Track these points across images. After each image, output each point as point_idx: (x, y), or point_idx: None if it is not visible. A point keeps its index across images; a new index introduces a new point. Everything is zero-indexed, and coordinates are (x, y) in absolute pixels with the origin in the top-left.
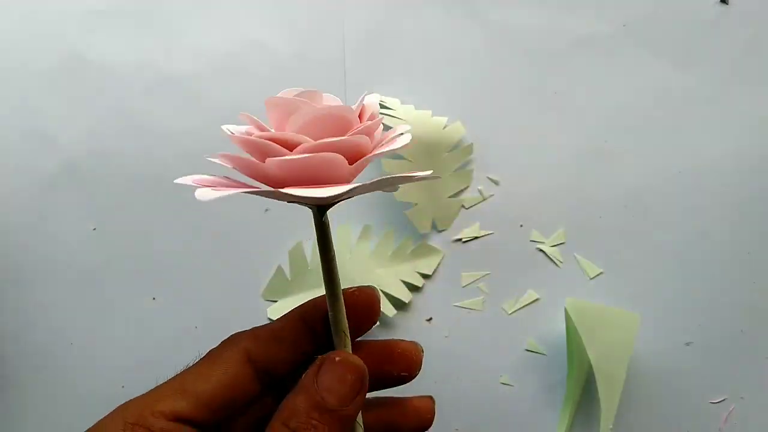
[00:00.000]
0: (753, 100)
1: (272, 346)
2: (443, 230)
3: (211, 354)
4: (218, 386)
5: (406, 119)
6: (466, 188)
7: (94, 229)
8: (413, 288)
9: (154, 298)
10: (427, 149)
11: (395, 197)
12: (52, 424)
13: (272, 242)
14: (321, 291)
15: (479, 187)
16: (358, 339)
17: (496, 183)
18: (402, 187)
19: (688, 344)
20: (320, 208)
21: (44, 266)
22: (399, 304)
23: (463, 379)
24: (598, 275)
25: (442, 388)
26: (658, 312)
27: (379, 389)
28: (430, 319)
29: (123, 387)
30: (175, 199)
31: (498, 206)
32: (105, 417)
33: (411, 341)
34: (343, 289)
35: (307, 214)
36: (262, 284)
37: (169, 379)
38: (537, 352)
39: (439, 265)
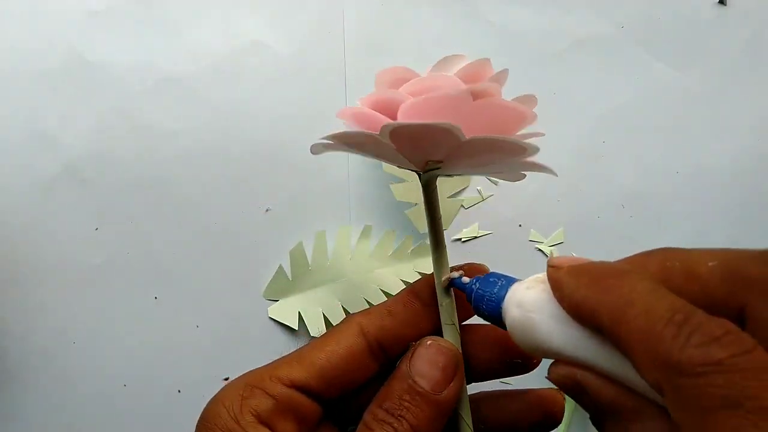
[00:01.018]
0: (752, 100)
1: (384, 319)
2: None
3: (329, 330)
4: (332, 356)
5: None
6: (465, 188)
7: (97, 229)
8: None
9: (156, 297)
10: None
11: (395, 197)
12: (54, 424)
13: (273, 242)
14: (322, 290)
15: (478, 188)
16: (471, 323)
17: (495, 183)
18: (402, 186)
19: None
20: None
21: (46, 266)
22: None
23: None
24: None
25: None
26: None
27: (496, 378)
28: None
29: (125, 386)
30: (176, 198)
31: (497, 206)
32: (229, 382)
33: None
34: (451, 267)
35: (308, 214)
36: (263, 284)
37: (290, 353)
38: None
39: None
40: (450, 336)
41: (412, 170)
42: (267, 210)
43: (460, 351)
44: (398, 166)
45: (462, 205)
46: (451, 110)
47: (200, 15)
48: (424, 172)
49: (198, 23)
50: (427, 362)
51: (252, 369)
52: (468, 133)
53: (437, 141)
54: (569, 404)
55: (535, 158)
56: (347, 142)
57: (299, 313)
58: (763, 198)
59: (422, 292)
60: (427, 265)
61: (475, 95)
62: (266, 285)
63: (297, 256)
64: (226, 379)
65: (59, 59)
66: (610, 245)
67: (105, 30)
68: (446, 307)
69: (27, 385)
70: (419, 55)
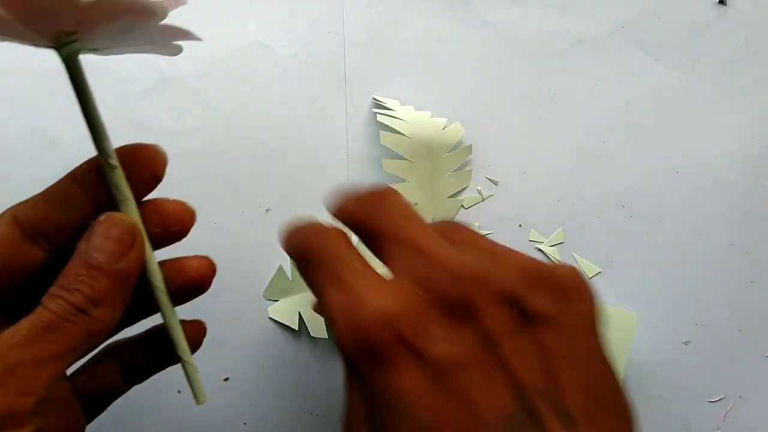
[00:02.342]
0: (751, 100)
1: (40, 206)
2: None
3: None
4: None
5: (406, 120)
6: (465, 188)
7: None
8: None
9: None
10: (426, 150)
11: None
12: None
13: (273, 242)
14: None
15: (478, 187)
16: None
17: (495, 183)
18: (401, 187)
19: (686, 343)
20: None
21: None
22: None
23: None
24: (596, 275)
25: None
26: (656, 311)
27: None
28: None
29: None
30: (176, 198)
31: (497, 206)
32: None
33: (179, 200)
34: (117, 149)
35: (310, 208)
36: (263, 284)
37: None
38: None
39: None
40: (126, 210)
41: (47, 47)
42: (267, 210)
43: (139, 222)
44: (31, 44)
45: (462, 205)
46: None
47: (201, 15)
48: (60, 47)
49: (198, 24)
50: (101, 236)
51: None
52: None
53: (55, 6)
54: None
55: (176, 24)
56: None
57: (299, 313)
58: (763, 197)
59: (82, 174)
60: None
61: None
62: (266, 285)
63: None
64: (226, 379)
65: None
66: (610, 245)
67: None
68: (117, 185)
69: None
70: (419, 55)
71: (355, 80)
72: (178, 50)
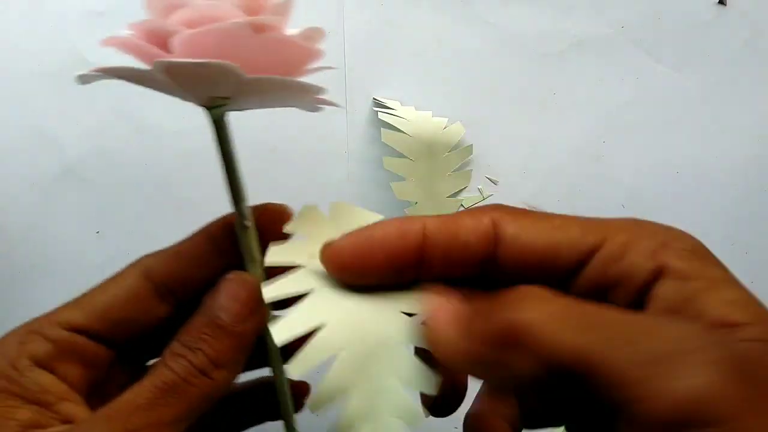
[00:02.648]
0: (751, 100)
1: (171, 262)
2: None
3: (114, 273)
4: (113, 299)
5: (407, 120)
6: (465, 188)
7: (98, 232)
8: None
9: None
10: (427, 149)
11: (395, 196)
12: None
13: None
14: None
15: (479, 187)
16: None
17: (495, 183)
18: (403, 185)
19: None
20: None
21: (46, 266)
22: None
23: (463, 378)
24: None
25: None
26: None
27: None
28: None
29: None
30: (177, 198)
31: None
32: (10, 331)
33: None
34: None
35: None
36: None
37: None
38: None
39: None
40: (254, 271)
41: (198, 105)
42: None
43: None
44: (180, 98)
45: (462, 205)
46: (230, 44)
47: None
48: (210, 109)
49: None
50: (229, 296)
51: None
52: (251, 69)
53: (217, 79)
54: None
55: (323, 96)
56: (120, 76)
57: None
58: (763, 198)
59: (216, 232)
60: None
61: (257, 29)
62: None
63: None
64: None
65: (60, 60)
66: None
67: (106, 30)
68: (248, 245)
69: None
70: (419, 55)
71: (355, 80)
72: (319, 109)
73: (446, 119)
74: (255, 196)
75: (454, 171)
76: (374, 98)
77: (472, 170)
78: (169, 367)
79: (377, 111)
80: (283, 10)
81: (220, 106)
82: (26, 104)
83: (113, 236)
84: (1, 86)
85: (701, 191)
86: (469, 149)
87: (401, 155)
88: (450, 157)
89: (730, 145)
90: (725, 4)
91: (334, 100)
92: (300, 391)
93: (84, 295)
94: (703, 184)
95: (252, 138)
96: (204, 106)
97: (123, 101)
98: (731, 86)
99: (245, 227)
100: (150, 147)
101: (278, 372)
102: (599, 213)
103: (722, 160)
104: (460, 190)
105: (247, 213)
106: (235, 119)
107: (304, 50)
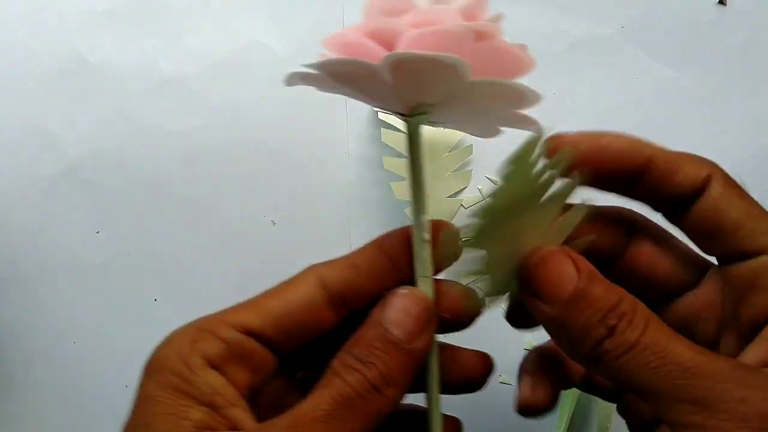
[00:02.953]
0: (751, 100)
1: (346, 272)
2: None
3: (287, 279)
4: (289, 304)
5: None
6: (465, 188)
7: (98, 232)
8: None
9: (155, 300)
10: (427, 150)
11: (395, 196)
12: (54, 424)
13: (273, 242)
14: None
15: (479, 187)
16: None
17: (495, 183)
18: (402, 185)
19: None
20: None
21: (46, 266)
22: None
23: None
24: None
25: None
26: None
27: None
28: None
29: (126, 386)
30: (177, 199)
31: None
32: (180, 327)
33: (468, 287)
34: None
35: (308, 214)
36: (263, 284)
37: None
38: None
39: None
40: (425, 288)
41: (397, 113)
42: (267, 219)
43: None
44: (380, 109)
45: (462, 205)
46: (452, 48)
47: (201, 16)
48: (411, 116)
49: (198, 24)
50: (400, 311)
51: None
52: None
53: (439, 79)
54: (567, 404)
55: (526, 111)
56: (337, 72)
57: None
58: (763, 198)
59: (391, 246)
60: None
61: (478, 35)
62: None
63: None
64: None
65: (60, 60)
66: None
67: (106, 31)
68: (424, 260)
69: (27, 385)
70: None
71: None
72: (497, 133)
73: None
74: (255, 196)
75: (454, 171)
76: None
77: (472, 170)
78: (344, 380)
79: (377, 111)
80: (497, 21)
81: (421, 114)
82: (26, 104)
83: (113, 236)
84: (1, 86)
85: None
86: (469, 149)
87: (401, 155)
88: (450, 157)
89: (731, 145)
90: (725, 4)
91: (533, 118)
92: (452, 427)
93: (258, 298)
94: None
95: (252, 138)
96: (405, 114)
97: (123, 101)
98: (731, 86)
99: (425, 240)
100: (150, 147)
101: (433, 401)
102: None
103: (723, 160)
104: (460, 190)
105: (427, 226)
106: (235, 119)
107: (520, 61)
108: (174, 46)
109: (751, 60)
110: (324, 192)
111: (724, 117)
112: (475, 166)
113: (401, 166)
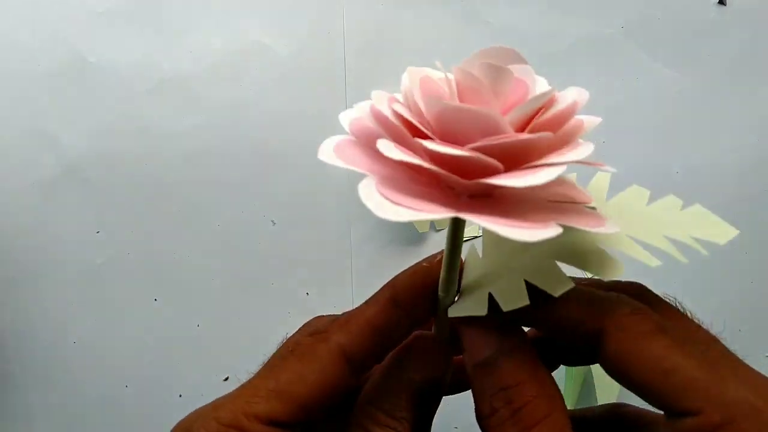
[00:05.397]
0: (751, 100)
1: (367, 340)
2: (441, 229)
3: (301, 349)
4: (315, 388)
5: None
6: None
7: (98, 232)
8: None
9: (155, 300)
10: None
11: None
12: (54, 424)
13: (273, 241)
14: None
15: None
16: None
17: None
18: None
19: None
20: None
21: (46, 266)
22: None
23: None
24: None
25: None
26: None
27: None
28: None
29: (126, 387)
30: (177, 199)
31: None
32: (193, 414)
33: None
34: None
35: (307, 213)
36: (263, 284)
37: (261, 376)
38: None
39: None
40: (441, 335)
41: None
42: (267, 219)
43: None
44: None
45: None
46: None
47: (201, 16)
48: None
49: (199, 24)
50: (423, 361)
51: (219, 398)
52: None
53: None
54: (567, 403)
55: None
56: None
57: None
58: (763, 197)
59: (405, 298)
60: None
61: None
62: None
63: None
64: (226, 379)
65: (61, 60)
66: None
67: (106, 31)
68: (443, 322)
69: (27, 385)
70: (419, 55)
71: (355, 80)
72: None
73: None
74: (255, 196)
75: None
76: None
77: None
78: None
79: None
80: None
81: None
82: (26, 104)
83: (113, 236)
84: (1, 86)
85: (701, 191)
86: None
87: None
88: None
89: (731, 145)
90: (725, 4)
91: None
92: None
93: (278, 381)
94: (703, 184)
95: (252, 138)
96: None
97: (123, 101)
98: (732, 86)
99: (448, 305)
100: (150, 147)
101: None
102: None
103: (722, 159)
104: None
105: (454, 293)
106: (234, 119)
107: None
108: (174, 46)
109: (751, 60)
110: (324, 192)
111: (725, 116)
112: None
113: None
